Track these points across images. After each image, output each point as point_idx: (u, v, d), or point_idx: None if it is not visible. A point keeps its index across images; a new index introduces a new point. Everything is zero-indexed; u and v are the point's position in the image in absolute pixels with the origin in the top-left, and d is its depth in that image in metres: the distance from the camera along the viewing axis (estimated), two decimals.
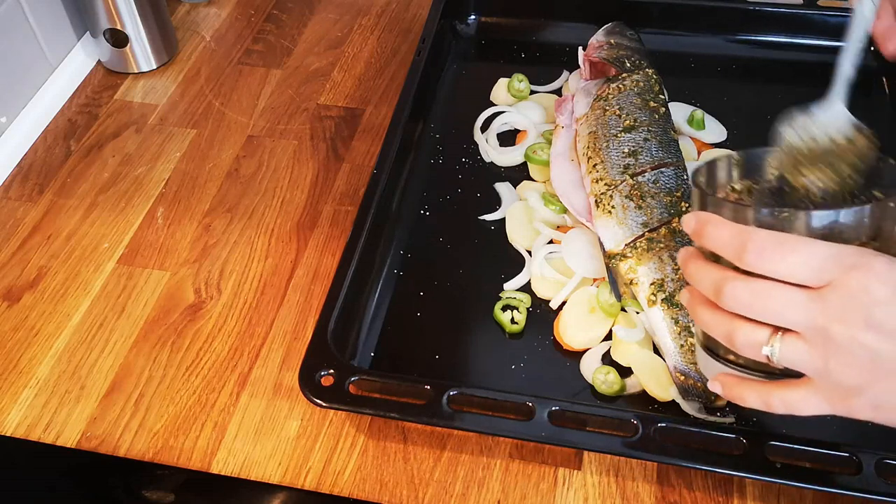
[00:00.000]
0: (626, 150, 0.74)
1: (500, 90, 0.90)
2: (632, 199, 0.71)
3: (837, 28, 0.81)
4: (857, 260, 0.44)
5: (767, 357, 0.47)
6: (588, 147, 0.76)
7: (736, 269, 0.47)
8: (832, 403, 0.47)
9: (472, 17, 0.99)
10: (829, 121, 0.54)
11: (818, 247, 0.45)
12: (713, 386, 0.53)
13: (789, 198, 0.52)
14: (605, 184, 0.73)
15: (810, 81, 0.88)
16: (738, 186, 0.53)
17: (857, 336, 0.44)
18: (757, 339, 0.47)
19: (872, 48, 0.88)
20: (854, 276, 0.43)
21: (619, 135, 0.75)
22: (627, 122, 0.75)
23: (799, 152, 0.53)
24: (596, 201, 0.73)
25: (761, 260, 0.45)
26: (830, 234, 0.46)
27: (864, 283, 0.43)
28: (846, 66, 0.56)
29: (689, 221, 0.49)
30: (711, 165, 0.53)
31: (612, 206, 0.71)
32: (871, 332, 0.43)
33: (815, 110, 0.55)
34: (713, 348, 0.53)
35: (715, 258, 0.49)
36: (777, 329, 0.46)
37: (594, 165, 0.74)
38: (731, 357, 0.51)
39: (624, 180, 0.72)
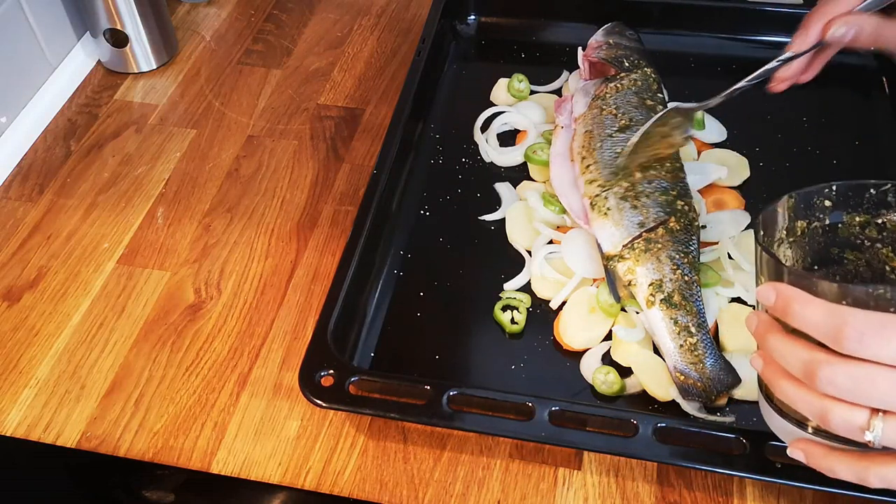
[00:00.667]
0: (621, 150, 0.73)
1: (500, 90, 0.90)
2: (627, 200, 0.71)
3: None
4: None
5: (867, 441, 0.44)
6: (583, 147, 0.76)
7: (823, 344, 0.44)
8: None
9: (472, 17, 0.99)
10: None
11: None
12: (795, 454, 0.50)
13: (843, 233, 0.51)
14: (599, 185, 0.73)
15: (810, 81, 0.88)
16: (796, 228, 0.52)
17: None
18: (856, 423, 0.44)
19: (872, 48, 0.88)
20: None
21: (613, 134, 0.75)
22: (623, 121, 0.75)
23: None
24: (591, 203, 0.72)
25: (862, 345, 0.42)
26: None
27: None
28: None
29: (769, 295, 0.46)
30: (766, 217, 0.51)
31: (608, 208, 0.71)
32: None
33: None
34: (787, 411, 0.50)
35: (794, 329, 0.46)
36: (877, 410, 0.44)
37: (587, 166, 0.74)
38: (813, 423, 0.49)
39: (618, 181, 0.72)
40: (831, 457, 0.48)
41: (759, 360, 0.49)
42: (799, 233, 0.52)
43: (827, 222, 0.52)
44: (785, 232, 0.52)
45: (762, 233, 0.50)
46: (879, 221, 0.51)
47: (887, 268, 0.50)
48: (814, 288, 0.44)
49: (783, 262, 0.47)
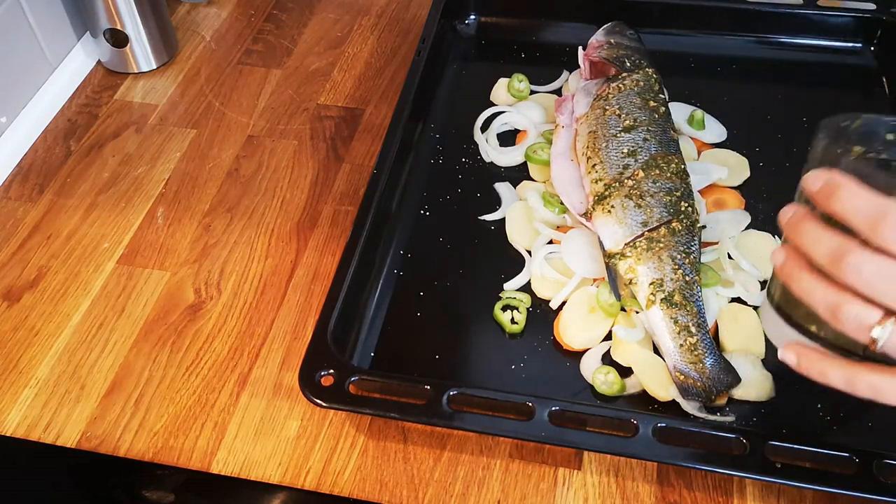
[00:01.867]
0: (626, 150, 0.73)
1: (500, 90, 0.90)
2: (631, 199, 0.71)
3: (837, 28, 0.81)
4: None
5: (872, 339, 0.44)
6: (588, 147, 0.76)
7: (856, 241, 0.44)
8: None
9: (472, 17, 0.99)
10: None
11: None
12: (785, 355, 0.50)
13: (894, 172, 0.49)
14: (605, 184, 0.73)
15: (811, 81, 0.89)
16: (851, 152, 0.50)
17: None
18: (868, 320, 0.44)
19: (873, 48, 0.88)
20: None
21: (618, 134, 0.75)
22: (627, 121, 0.75)
23: None
24: (595, 201, 0.73)
25: None
26: None
27: None
28: None
29: (816, 180, 0.45)
30: (833, 125, 0.50)
31: (612, 206, 0.71)
32: None
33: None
34: (791, 314, 0.50)
35: (831, 223, 0.45)
36: (890, 314, 0.44)
37: (593, 165, 0.74)
38: (813, 328, 0.49)
39: (623, 180, 0.72)
40: (824, 361, 0.48)
41: (781, 253, 0.48)
42: (853, 157, 0.50)
43: (883, 156, 0.50)
44: (839, 150, 0.50)
45: (823, 135, 0.49)
46: None
47: None
48: (866, 178, 0.43)
49: (840, 153, 0.46)
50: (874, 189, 0.43)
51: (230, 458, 0.64)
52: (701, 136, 0.84)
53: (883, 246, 0.42)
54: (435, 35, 0.90)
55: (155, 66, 0.97)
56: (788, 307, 0.51)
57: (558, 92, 0.91)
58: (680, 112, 0.85)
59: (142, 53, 0.96)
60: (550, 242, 0.75)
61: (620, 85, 0.79)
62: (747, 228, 0.75)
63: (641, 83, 0.79)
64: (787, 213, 0.48)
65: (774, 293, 0.52)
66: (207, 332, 0.72)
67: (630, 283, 0.68)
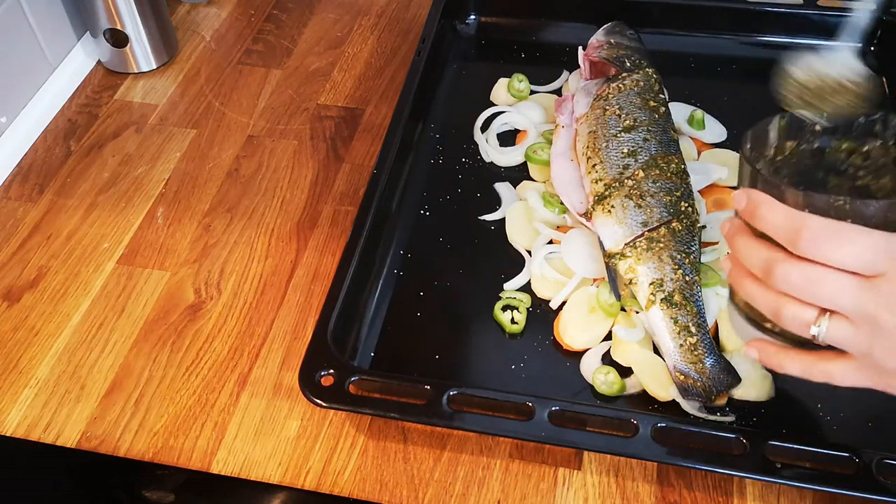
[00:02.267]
0: (626, 150, 0.73)
1: (500, 90, 0.90)
2: (631, 199, 0.71)
3: (837, 28, 0.81)
4: None
5: (812, 336, 0.49)
6: (588, 147, 0.76)
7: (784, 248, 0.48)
8: (871, 379, 0.49)
9: (472, 17, 0.99)
10: (836, 62, 0.57)
11: (872, 238, 0.46)
12: (749, 351, 0.54)
13: (831, 157, 0.53)
14: (605, 184, 0.73)
15: None
16: (784, 147, 0.54)
17: None
18: (805, 319, 0.49)
19: (873, 48, 0.88)
20: None
21: (618, 134, 0.75)
22: (627, 121, 0.75)
23: (804, 87, 0.54)
24: (595, 200, 0.73)
25: (816, 248, 0.47)
26: (884, 224, 0.46)
27: None
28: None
29: (741, 199, 0.50)
30: (755, 133, 0.53)
31: (612, 206, 0.71)
32: None
33: (824, 52, 0.57)
34: (749, 313, 0.55)
35: (762, 234, 0.50)
36: (825, 310, 0.48)
37: (594, 165, 0.74)
38: (769, 325, 0.53)
39: (623, 180, 0.72)
40: (781, 354, 0.53)
41: (727, 262, 0.54)
42: (787, 152, 0.54)
43: (815, 145, 0.54)
44: (773, 150, 0.54)
45: (749, 146, 0.53)
46: (865, 149, 0.53)
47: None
48: (781, 194, 0.48)
49: (759, 171, 0.50)
50: (792, 194, 0.48)
51: (230, 458, 0.64)
52: (701, 136, 0.84)
53: (804, 256, 0.47)
54: (435, 35, 0.90)
55: (155, 66, 0.97)
56: (746, 307, 0.55)
57: (558, 92, 0.91)
58: (680, 112, 0.85)
59: (142, 53, 0.96)
60: (550, 242, 0.75)
61: (620, 85, 0.79)
62: None
63: (641, 83, 0.79)
64: (725, 227, 0.53)
65: (736, 297, 0.56)
66: (207, 332, 0.72)
67: (630, 283, 0.68)
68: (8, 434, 0.66)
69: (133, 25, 0.93)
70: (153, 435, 0.66)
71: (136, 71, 0.97)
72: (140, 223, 0.81)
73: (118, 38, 0.94)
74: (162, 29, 0.96)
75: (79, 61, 0.97)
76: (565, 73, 0.92)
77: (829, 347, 0.50)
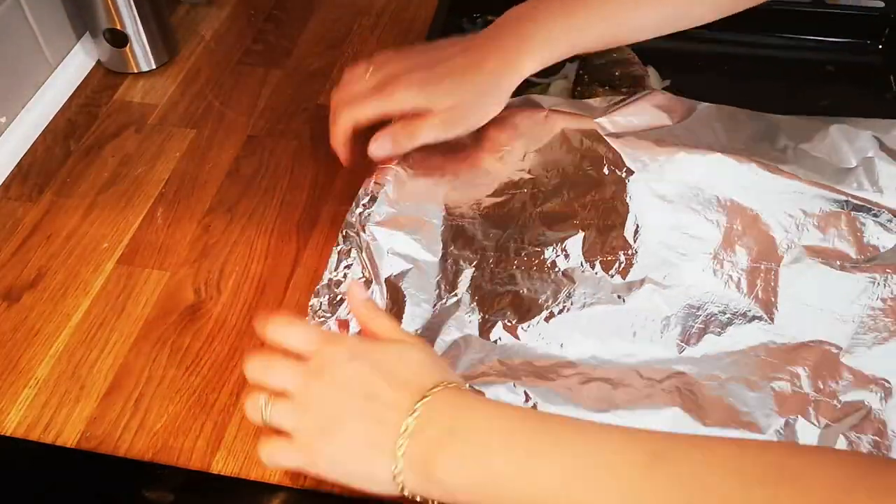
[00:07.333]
0: None
1: None
2: None
3: (845, 26, 0.81)
4: (333, 335, 0.59)
5: (263, 419, 0.55)
6: None
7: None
8: (302, 459, 0.54)
9: (478, 15, 0.99)
10: None
11: (309, 328, 0.58)
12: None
13: None
14: None
15: (817, 79, 0.88)
16: None
17: (325, 390, 0.53)
18: (258, 403, 0.55)
19: (881, 46, 0.88)
20: (328, 345, 0.55)
21: None
22: None
23: None
24: None
25: (270, 333, 0.57)
26: None
27: (333, 350, 0.55)
28: None
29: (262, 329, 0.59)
30: None
31: None
32: (334, 386, 0.53)
33: None
34: None
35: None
36: (274, 394, 0.55)
37: None
38: None
39: None
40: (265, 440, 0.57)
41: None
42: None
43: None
44: None
45: None
46: None
47: None
48: None
49: None
50: None
51: (230, 458, 0.64)
52: None
53: (268, 342, 0.58)
54: (441, 33, 0.90)
55: (155, 66, 0.97)
56: None
57: None
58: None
59: (142, 53, 0.95)
60: None
61: None
62: None
63: None
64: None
65: None
66: (207, 332, 0.72)
67: None
68: (8, 434, 0.66)
69: (133, 25, 0.93)
70: (153, 435, 0.65)
71: (135, 71, 0.97)
72: (140, 223, 0.81)
73: (118, 38, 0.94)
74: (162, 29, 0.96)
75: (78, 61, 0.97)
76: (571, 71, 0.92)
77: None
